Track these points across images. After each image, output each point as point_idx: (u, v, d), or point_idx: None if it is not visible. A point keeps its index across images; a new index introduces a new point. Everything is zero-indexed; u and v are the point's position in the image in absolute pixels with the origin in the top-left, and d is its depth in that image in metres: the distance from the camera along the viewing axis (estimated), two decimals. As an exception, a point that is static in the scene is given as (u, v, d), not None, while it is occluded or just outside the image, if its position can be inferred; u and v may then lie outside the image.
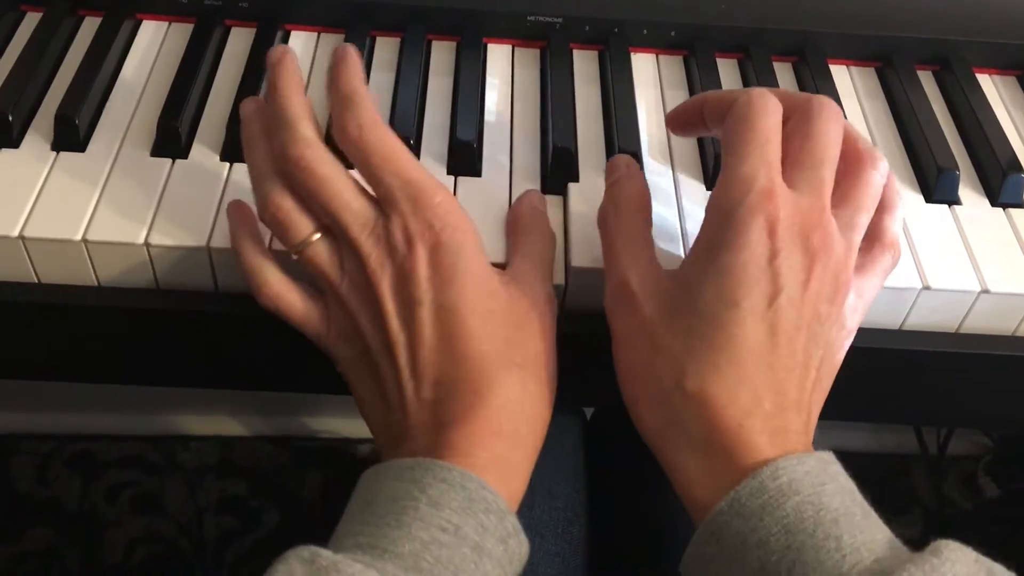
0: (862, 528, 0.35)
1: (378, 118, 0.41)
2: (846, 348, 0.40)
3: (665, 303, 0.39)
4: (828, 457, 0.37)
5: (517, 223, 0.45)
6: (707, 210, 0.39)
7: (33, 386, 1.13)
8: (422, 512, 0.35)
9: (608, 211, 0.42)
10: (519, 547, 0.38)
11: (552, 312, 0.42)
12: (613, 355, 0.41)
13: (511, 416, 0.39)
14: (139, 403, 1.17)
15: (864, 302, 0.41)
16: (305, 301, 0.42)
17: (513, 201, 0.47)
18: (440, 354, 0.39)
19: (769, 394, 0.37)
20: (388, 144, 0.40)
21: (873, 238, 0.41)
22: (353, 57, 0.42)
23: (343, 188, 0.40)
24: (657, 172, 0.50)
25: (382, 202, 0.40)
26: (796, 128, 0.40)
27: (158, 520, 1.12)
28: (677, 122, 0.46)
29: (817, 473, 0.36)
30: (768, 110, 0.39)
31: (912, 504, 1.17)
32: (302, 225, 0.41)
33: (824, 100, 0.40)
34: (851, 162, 0.40)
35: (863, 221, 0.40)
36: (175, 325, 0.46)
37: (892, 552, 0.34)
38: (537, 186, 0.49)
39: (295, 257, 0.41)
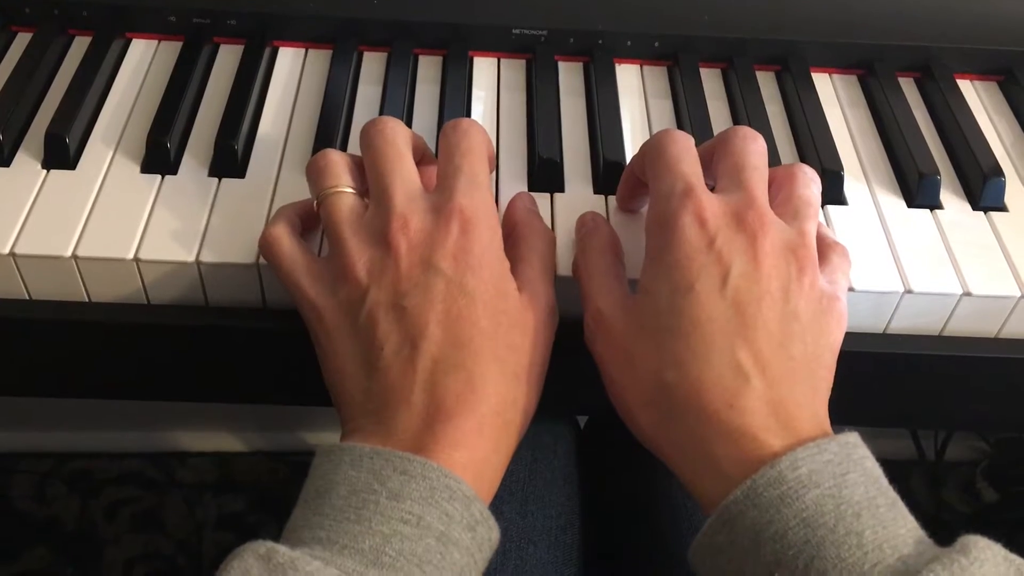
0: (885, 522, 0.34)
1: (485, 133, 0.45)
2: (839, 330, 0.40)
3: (633, 316, 0.40)
4: (853, 440, 0.36)
5: (515, 228, 0.45)
6: (646, 230, 0.42)
7: (31, 405, 1.13)
8: (382, 505, 0.34)
9: (578, 259, 0.44)
10: (488, 532, 0.37)
11: (553, 326, 0.43)
12: (603, 380, 0.42)
13: (495, 421, 0.39)
14: (137, 420, 1.18)
15: (841, 292, 0.41)
16: (296, 248, 0.42)
17: (503, 208, 0.48)
18: (446, 331, 0.38)
19: (755, 369, 0.37)
20: (480, 146, 0.43)
21: (820, 243, 0.42)
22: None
23: (407, 160, 0.43)
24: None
25: (442, 179, 0.42)
26: (719, 156, 0.43)
27: (157, 537, 1.13)
28: (625, 197, 0.48)
29: (839, 461, 0.35)
30: (673, 137, 0.42)
31: (910, 510, 1.17)
32: (339, 177, 0.43)
33: (739, 126, 0.43)
34: (782, 174, 0.43)
35: (810, 211, 0.41)
36: (166, 339, 0.47)
37: (917, 549, 0.33)
38: (523, 197, 0.49)
39: (316, 205, 0.43)
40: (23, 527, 1.13)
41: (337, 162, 0.43)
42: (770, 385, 0.37)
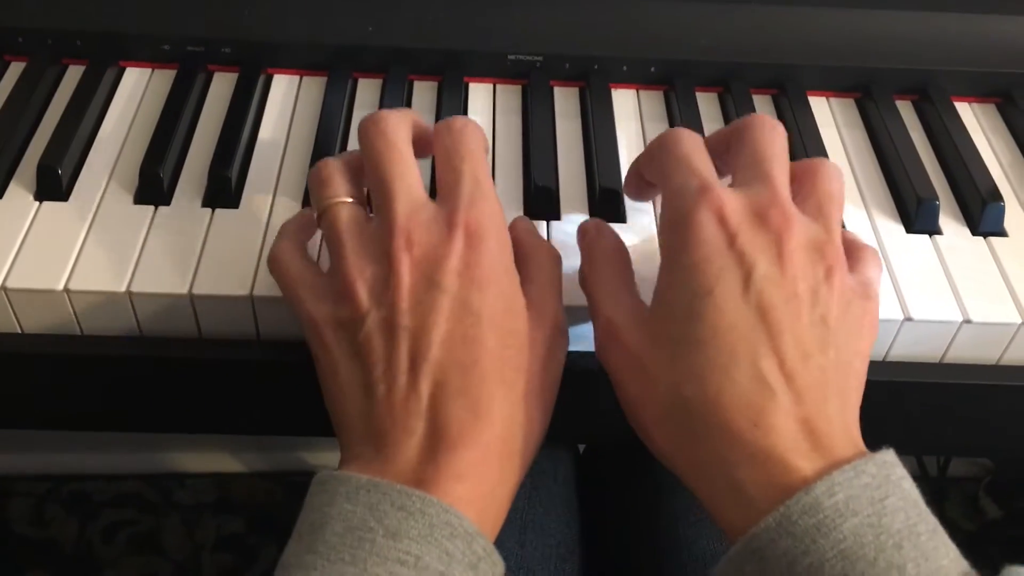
0: (927, 553, 0.32)
1: (481, 130, 0.42)
2: (871, 334, 0.38)
3: (648, 327, 0.38)
4: (890, 459, 0.34)
5: (518, 247, 0.43)
6: (658, 232, 0.40)
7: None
8: (379, 544, 0.33)
9: (585, 268, 0.42)
10: (492, 568, 0.35)
11: (564, 346, 0.41)
12: (616, 395, 0.39)
13: (501, 450, 0.37)
14: (134, 442, 1.17)
15: (873, 294, 0.39)
16: (300, 264, 0.41)
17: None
18: (449, 353, 0.36)
19: (781, 381, 0.35)
20: (478, 147, 0.41)
21: (847, 247, 0.40)
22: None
23: (409, 164, 0.40)
24: (638, 208, 0.50)
25: (445, 188, 0.39)
26: (737, 148, 0.40)
27: (156, 559, 1.12)
28: (630, 190, 0.46)
29: (878, 484, 0.33)
30: (681, 135, 0.40)
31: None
32: (339, 187, 0.41)
33: (756, 115, 0.41)
34: (803, 169, 0.40)
35: (835, 207, 0.39)
36: (159, 372, 0.46)
37: None
38: (519, 224, 0.49)
39: (317, 216, 0.41)
40: (21, 550, 1.12)
41: (337, 171, 0.41)
42: (798, 399, 0.34)
